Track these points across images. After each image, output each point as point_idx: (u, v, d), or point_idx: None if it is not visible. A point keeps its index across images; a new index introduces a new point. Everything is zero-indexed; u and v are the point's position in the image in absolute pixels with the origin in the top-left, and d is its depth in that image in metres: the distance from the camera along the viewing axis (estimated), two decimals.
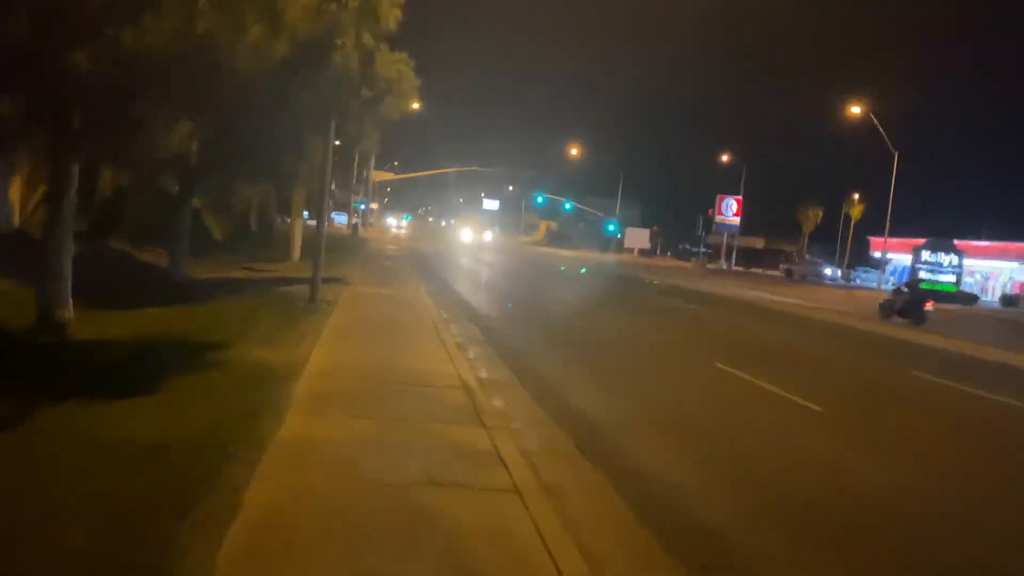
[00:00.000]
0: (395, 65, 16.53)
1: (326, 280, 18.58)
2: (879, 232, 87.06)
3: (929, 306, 22.70)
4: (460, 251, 47.53)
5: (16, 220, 19.18)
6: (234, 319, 11.27)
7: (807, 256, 75.27)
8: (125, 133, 9.93)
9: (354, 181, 53.90)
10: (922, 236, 68.77)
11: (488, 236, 79.57)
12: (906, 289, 25.70)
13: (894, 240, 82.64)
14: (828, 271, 71.23)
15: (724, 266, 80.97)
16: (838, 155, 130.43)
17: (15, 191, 19.15)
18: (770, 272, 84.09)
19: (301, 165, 14.83)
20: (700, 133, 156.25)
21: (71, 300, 9.66)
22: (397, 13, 14.30)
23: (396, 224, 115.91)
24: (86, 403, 6.10)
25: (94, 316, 10.50)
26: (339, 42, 12.20)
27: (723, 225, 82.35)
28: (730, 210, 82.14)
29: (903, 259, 75.25)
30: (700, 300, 26.20)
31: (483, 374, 9.52)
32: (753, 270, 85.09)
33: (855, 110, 50.53)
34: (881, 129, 50.18)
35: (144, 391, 6.55)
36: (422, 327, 12.55)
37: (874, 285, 55.74)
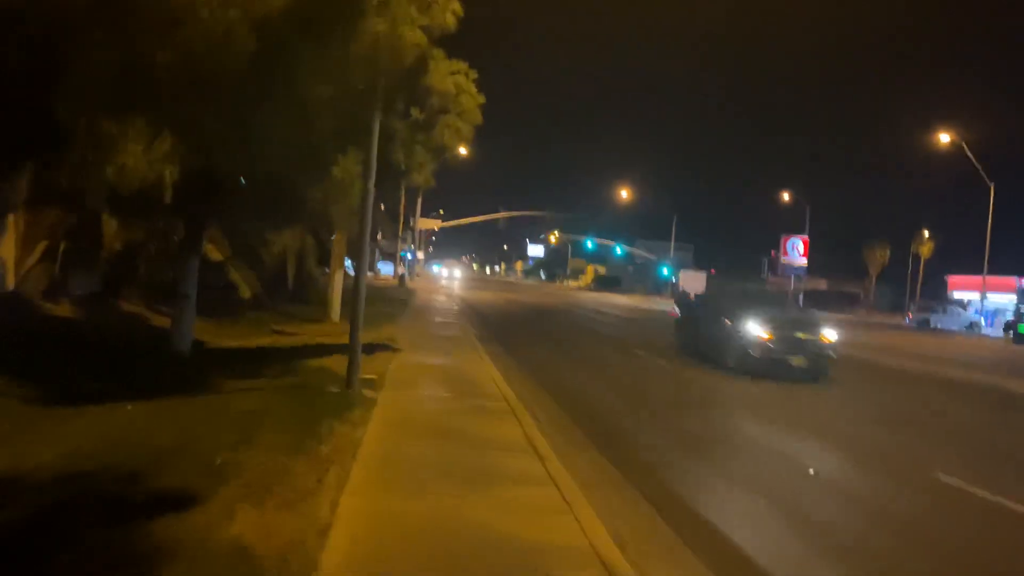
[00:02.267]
0: (452, 77, 13.07)
1: (369, 347, 14.96)
2: (954, 270, 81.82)
3: None
4: (516, 303, 43.57)
5: (10, 281, 16.10)
6: (228, 426, 7.61)
7: (938, 302, 67.23)
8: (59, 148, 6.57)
9: (401, 229, 50.99)
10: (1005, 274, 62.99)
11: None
12: None
13: (971, 278, 77.09)
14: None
15: None
16: (904, 192, 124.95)
17: (8, 248, 16.08)
18: (840, 316, 78.94)
19: (331, 200, 11.30)
20: (755, 171, 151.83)
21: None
22: (456, 6, 10.86)
23: (448, 273, 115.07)
24: None
25: (29, 422, 7.00)
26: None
27: (789, 268, 77.41)
28: (796, 251, 77.27)
29: (984, 299, 69.46)
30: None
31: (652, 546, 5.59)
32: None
33: (944, 139, 46.13)
34: (973, 159, 45.67)
35: None
36: (505, 430, 8.72)
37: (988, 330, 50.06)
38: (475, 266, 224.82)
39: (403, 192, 49.68)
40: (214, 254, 19.00)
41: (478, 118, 13.29)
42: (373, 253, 31.24)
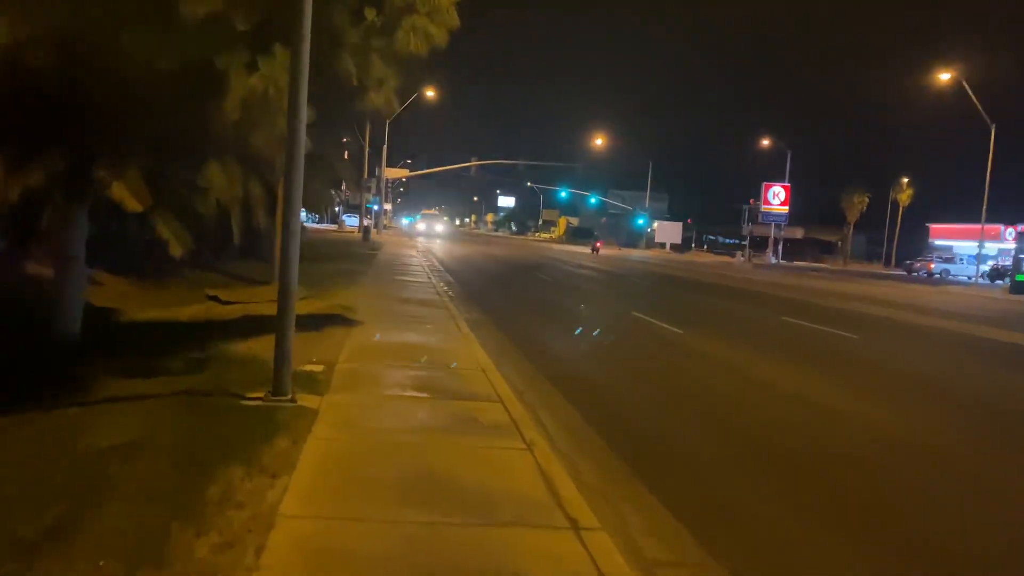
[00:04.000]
0: None
1: (317, 321, 11.81)
2: (936, 219, 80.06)
3: None
4: (486, 255, 39.97)
5: None
6: (57, 482, 4.51)
7: (933, 254, 64.77)
8: None
9: (364, 176, 47.23)
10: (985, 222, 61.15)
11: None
12: None
13: (954, 226, 75.37)
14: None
15: (772, 260, 73.89)
16: (883, 138, 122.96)
17: None
18: (818, 265, 77.08)
19: (251, 123, 8.08)
20: (732, 119, 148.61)
21: None
22: None
23: (426, 228, 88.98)
24: None
25: None
26: None
27: (769, 215, 75.02)
28: (777, 199, 74.84)
29: (967, 247, 67.85)
30: (849, 322, 19.18)
31: None
32: (796, 262, 78.02)
33: (944, 77, 43.28)
34: (975, 99, 42.93)
35: None
36: (517, 475, 5.69)
37: (971, 279, 47.94)
38: (445, 218, 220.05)
39: (367, 131, 45.81)
40: (131, 202, 15.54)
41: (454, 19, 10.01)
42: (332, 203, 27.74)
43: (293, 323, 7.10)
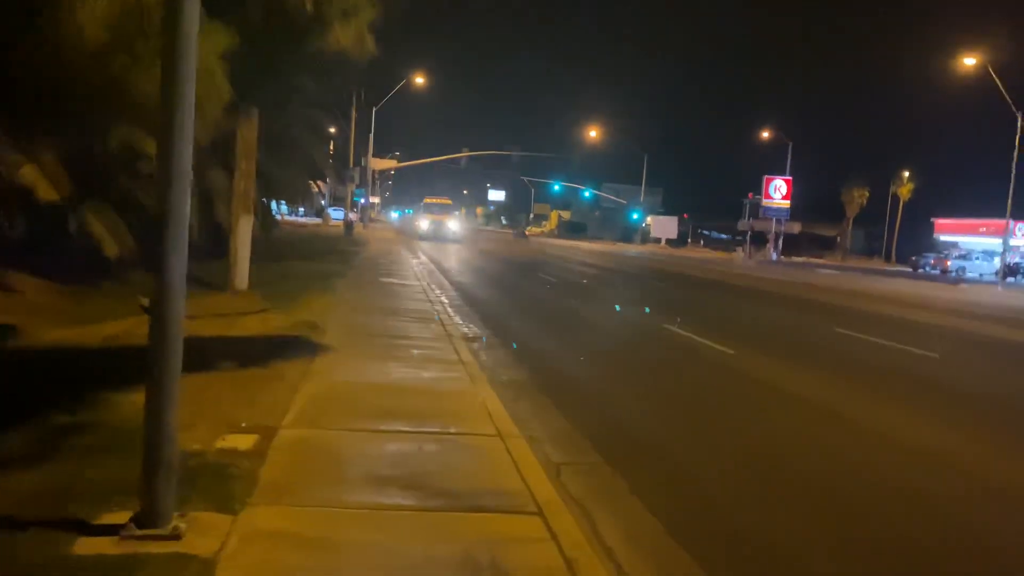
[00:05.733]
0: None
1: (272, 345, 8.81)
2: (937, 213, 77.52)
3: None
4: (488, 256, 36.41)
5: None
6: None
7: (951, 251, 61.99)
8: None
9: (350, 165, 44.06)
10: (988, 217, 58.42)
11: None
12: None
13: (960, 221, 72.85)
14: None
15: (773, 257, 71.22)
16: (883, 132, 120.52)
17: None
18: (819, 261, 74.41)
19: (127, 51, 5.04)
20: (727, 112, 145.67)
21: None
22: None
23: (430, 227, 50.99)
24: None
25: None
26: None
27: (770, 209, 72.11)
28: (779, 193, 72.01)
29: (973, 243, 65.29)
30: (910, 334, 16.29)
31: None
32: (793, 258, 75.43)
33: (969, 62, 40.51)
34: (1000, 84, 40.18)
35: None
36: None
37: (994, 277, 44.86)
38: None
39: (352, 115, 42.49)
40: (45, 191, 12.47)
41: None
42: (307, 194, 24.65)
43: (176, 377, 4.08)
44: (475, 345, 11.08)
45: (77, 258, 14.25)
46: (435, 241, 46.20)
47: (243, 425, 5.70)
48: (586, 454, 6.31)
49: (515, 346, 11.33)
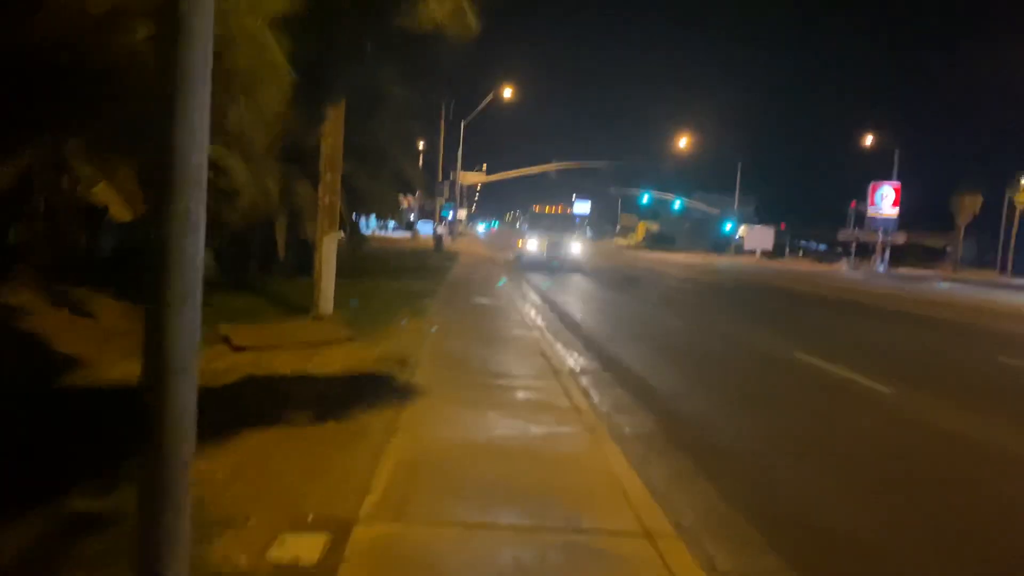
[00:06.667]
0: None
1: (345, 392, 7.51)
2: None
3: None
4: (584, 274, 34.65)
5: None
6: None
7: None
8: None
9: (439, 179, 43.36)
10: None
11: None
12: None
13: None
14: None
15: (880, 268, 66.95)
16: (998, 134, 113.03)
17: None
18: (930, 272, 69.61)
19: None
20: (825, 115, 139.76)
21: None
22: None
23: (539, 248, 33.40)
24: None
25: None
26: None
27: (877, 220, 67.91)
28: (886, 200, 67.85)
29: None
30: None
31: None
32: (900, 270, 70.74)
33: None
34: None
35: None
36: None
37: None
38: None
39: (441, 121, 41.73)
40: (119, 210, 11.61)
41: None
42: (397, 207, 23.69)
43: (184, 485, 2.69)
44: (583, 379, 9.56)
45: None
46: (546, 273, 29.97)
47: (309, 519, 4.33)
48: (761, 555, 4.69)
49: (626, 376, 9.74)
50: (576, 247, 33.35)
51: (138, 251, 13.62)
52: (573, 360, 11.00)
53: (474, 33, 5.38)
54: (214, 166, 12.26)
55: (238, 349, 10.17)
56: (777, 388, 10.35)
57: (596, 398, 8.65)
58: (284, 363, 9.01)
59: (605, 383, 9.61)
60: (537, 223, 36.27)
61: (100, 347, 10.23)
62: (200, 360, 8.56)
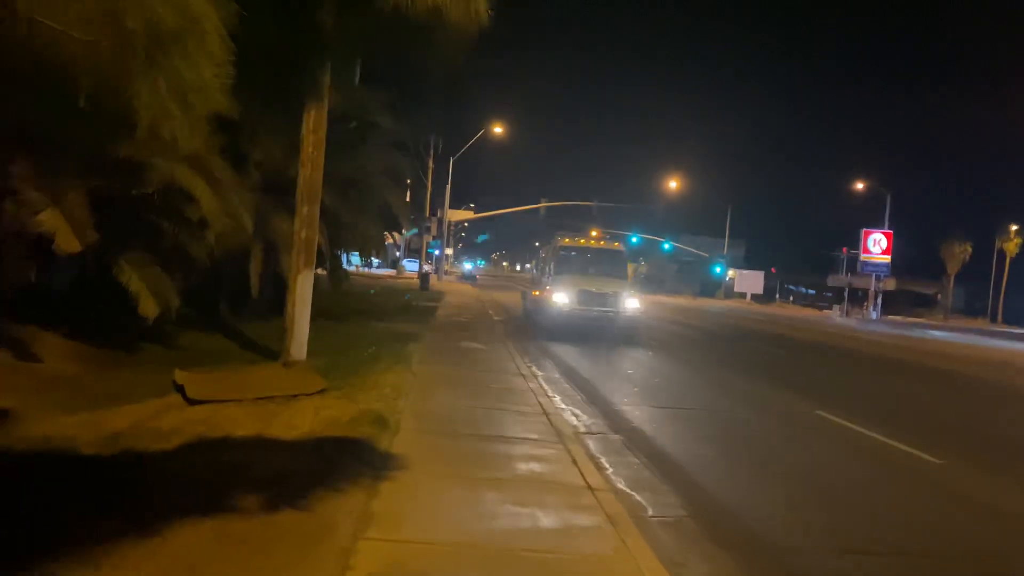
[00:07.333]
0: None
1: (309, 463, 6.15)
2: None
3: None
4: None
5: None
6: None
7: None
8: None
9: (427, 214, 42.28)
10: None
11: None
12: None
13: None
14: None
15: (873, 315, 66.22)
16: (986, 183, 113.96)
17: None
18: (922, 320, 68.99)
19: None
20: (814, 163, 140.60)
21: None
22: None
23: (580, 291, 20.54)
24: None
25: None
26: None
27: (870, 265, 67.31)
28: (878, 247, 67.21)
29: None
30: None
31: None
32: (891, 317, 70.05)
33: None
34: None
35: None
36: None
37: None
38: (505, 264, 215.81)
39: (431, 149, 40.76)
40: (65, 239, 10.27)
41: None
42: (382, 244, 22.38)
43: None
44: (592, 445, 8.26)
45: (123, 315, 12.06)
46: (580, 343, 20.24)
47: None
48: None
49: (637, 440, 8.43)
50: (629, 299, 21.67)
51: (97, 286, 12.28)
52: (574, 419, 9.71)
53: (483, 22, 4.19)
54: (180, 192, 10.72)
55: (193, 403, 8.77)
56: (799, 454, 9.07)
57: (608, 469, 7.35)
58: (242, 422, 7.64)
59: (613, 447, 8.31)
60: (571, 262, 23.09)
61: (38, 396, 8.87)
62: (145, 415, 6.96)
